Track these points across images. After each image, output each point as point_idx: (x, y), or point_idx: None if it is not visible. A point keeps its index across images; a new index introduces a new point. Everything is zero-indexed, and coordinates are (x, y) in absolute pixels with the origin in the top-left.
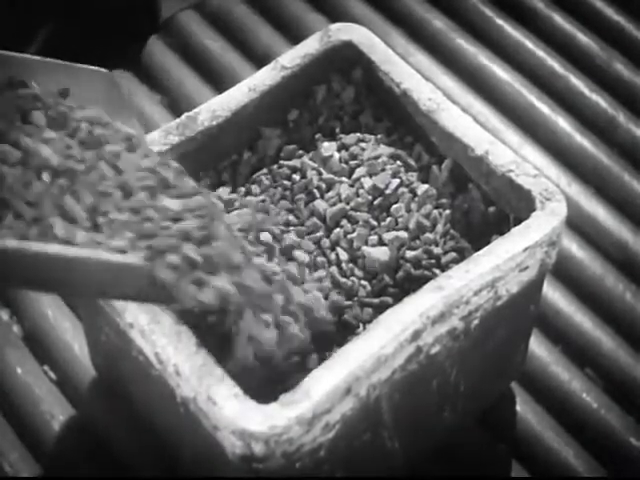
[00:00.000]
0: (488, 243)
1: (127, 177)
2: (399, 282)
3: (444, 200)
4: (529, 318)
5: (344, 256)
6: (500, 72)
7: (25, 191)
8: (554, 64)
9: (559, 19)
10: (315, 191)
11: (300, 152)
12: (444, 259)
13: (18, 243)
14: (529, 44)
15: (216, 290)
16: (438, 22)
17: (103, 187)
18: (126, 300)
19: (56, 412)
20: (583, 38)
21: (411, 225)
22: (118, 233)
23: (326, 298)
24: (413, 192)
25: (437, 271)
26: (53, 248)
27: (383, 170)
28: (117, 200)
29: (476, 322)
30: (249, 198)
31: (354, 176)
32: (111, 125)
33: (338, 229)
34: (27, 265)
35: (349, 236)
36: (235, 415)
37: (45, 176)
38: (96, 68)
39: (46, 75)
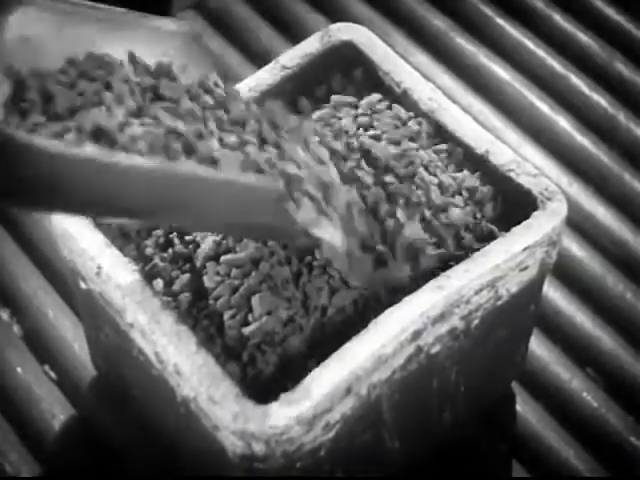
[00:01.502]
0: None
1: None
2: None
3: None
4: (529, 318)
5: None
6: (500, 72)
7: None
8: (554, 64)
9: (559, 19)
10: None
11: None
12: None
13: (159, 163)
14: (529, 44)
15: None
16: (438, 22)
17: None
18: (242, 234)
19: (56, 412)
20: (583, 38)
21: None
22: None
23: None
24: None
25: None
26: (193, 167)
27: None
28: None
29: (476, 322)
30: None
31: None
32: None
33: None
34: (163, 186)
35: None
36: (235, 415)
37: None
38: (166, 25)
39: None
